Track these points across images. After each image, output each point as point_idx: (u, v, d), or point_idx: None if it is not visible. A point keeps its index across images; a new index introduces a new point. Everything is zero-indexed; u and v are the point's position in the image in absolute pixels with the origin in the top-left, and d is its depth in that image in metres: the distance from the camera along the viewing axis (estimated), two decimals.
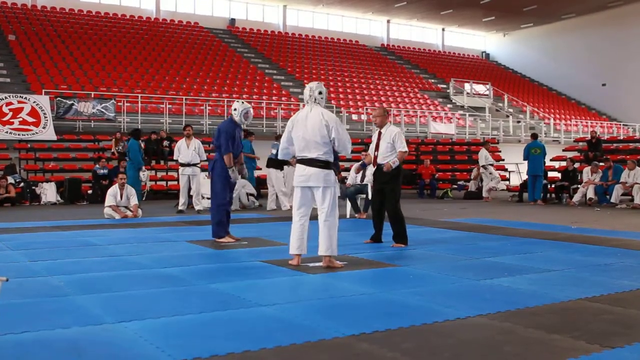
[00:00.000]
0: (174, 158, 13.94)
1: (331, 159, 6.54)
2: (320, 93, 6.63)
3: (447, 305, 4.73)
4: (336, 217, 6.53)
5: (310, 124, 6.46)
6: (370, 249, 7.78)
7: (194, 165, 13.45)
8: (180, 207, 13.43)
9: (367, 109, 27.98)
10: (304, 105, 6.77)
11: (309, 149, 6.45)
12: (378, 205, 8.45)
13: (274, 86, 29.35)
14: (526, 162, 17.23)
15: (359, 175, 12.52)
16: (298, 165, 6.56)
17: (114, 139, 19.16)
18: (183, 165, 13.45)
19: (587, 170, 16.88)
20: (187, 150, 13.39)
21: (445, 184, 20.67)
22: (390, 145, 8.16)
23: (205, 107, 22.83)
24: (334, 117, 6.61)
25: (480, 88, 36.04)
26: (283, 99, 27.48)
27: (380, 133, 8.32)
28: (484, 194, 18.17)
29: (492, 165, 18.43)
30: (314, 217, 6.54)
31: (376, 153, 8.31)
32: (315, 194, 6.52)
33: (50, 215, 12.66)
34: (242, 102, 8.65)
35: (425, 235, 9.19)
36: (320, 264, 6.49)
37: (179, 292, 5.22)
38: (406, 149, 8.23)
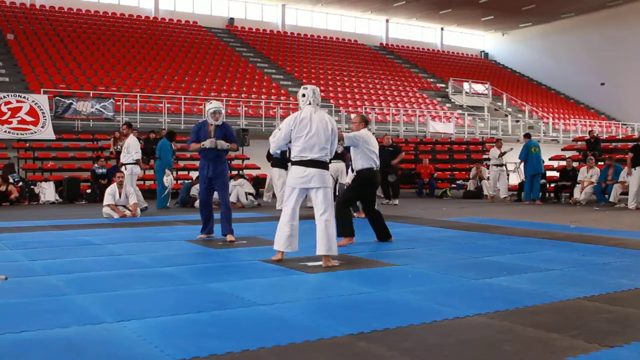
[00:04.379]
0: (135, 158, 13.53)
1: (328, 160, 6.64)
2: (319, 97, 6.77)
3: (446, 304, 4.73)
4: (333, 216, 6.58)
5: (316, 125, 6.49)
6: (368, 249, 7.78)
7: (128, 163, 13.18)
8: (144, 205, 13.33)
9: (366, 108, 28.00)
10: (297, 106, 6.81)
11: (312, 150, 6.47)
12: (364, 208, 8.59)
13: (272, 85, 29.35)
14: (521, 161, 17.23)
15: None
16: (297, 167, 6.56)
17: (112, 138, 19.13)
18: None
19: (583, 169, 16.90)
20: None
21: (444, 183, 20.69)
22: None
23: (204, 107, 22.73)
24: (335, 122, 6.75)
25: (479, 87, 36.05)
26: (282, 98, 27.46)
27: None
28: (502, 195, 17.81)
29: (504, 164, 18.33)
30: (304, 217, 6.53)
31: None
32: (315, 195, 6.54)
33: (49, 215, 12.64)
34: (210, 102, 8.84)
35: (424, 235, 9.20)
36: (320, 263, 6.50)
37: (177, 292, 5.22)
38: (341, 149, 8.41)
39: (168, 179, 14.36)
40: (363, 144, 8.09)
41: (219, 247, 7.92)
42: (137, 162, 13.16)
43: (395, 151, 16.52)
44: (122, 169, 13.07)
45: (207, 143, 8.40)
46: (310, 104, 6.64)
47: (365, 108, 27.93)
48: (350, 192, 8.40)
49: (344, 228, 8.00)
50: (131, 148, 13.14)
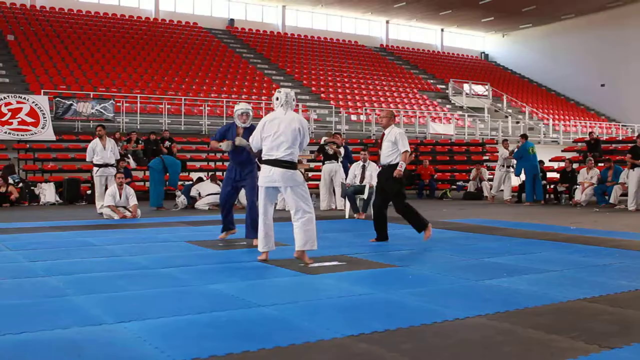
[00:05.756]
0: (88, 160, 13.50)
1: (296, 160, 6.76)
2: (293, 100, 6.96)
3: (446, 305, 4.74)
4: (311, 212, 6.70)
5: (285, 125, 6.69)
6: (369, 250, 7.78)
7: (111, 165, 13.21)
8: (100, 210, 12.68)
9: (366, 109, 27.99)
10: (273, 108, 7.03)
11: (278, 149, 6.65)
12: (378, 204, 8.58)
13: (273, 86, 29.33)
14: (517, 161, 17.19)
15: (358, 175, 12.55)
16: (264, 166, 6.78)
17: (112, 139, 19.13)
18: (99, 166, 13.08)
19: (583, 171, 16.91)
20: (104, 150, 13.12)
21: (444, 185, 20.69)
22: (391, 144, 8.34)
23: (205, 108, 22.82)
24: (306, 122, 6.93)
25: (480, 88, 36.06)
26: None
27: (384, 134, 8.54)
28: (506, 196, 17.72)
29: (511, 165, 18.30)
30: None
31: (380, 152, 8.53)
32: (284, 194, 6.70)
33: (49, 216, 12.65)
34: (238, 103, 8.79)
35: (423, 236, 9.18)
36: (321, 264, 6.53)
37: (178, 293, 5.22)
38: (408, 148, 8.36)
39: (179, 200, 14.55)
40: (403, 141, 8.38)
41: (220, 248, 7.92)
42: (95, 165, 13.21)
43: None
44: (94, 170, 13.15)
45: (224, 146, 8.26)
46: (282, 106, 6.85)
47: (366, 109, 27.93)
48: (400, 189, 8.43)
49: (418, 222, 8.35)
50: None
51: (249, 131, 8.10)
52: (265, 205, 6.83)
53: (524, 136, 17.82)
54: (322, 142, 15.32)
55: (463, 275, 5.99)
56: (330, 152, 14.28)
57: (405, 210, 8.39)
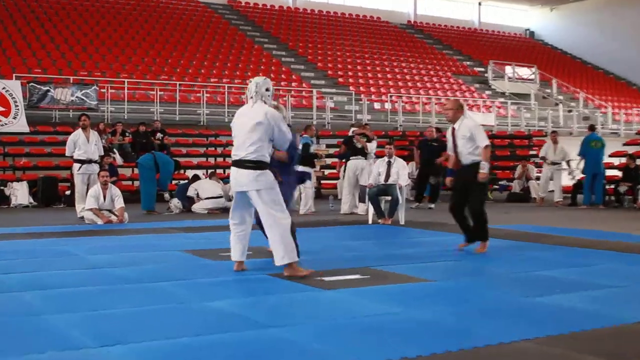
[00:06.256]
0: (67, 154, 13.47)
1: (266, 159, 6.73)
2: (267, 90, 6.89)
3: (488, 327, 4.70)
4: (285, 219, 6.64)
5: (247, 121, 6.74)
6: (397, 261, 7.73)
7: (95, 162, 13.24)
8: (81, 213, 12.69)
9: (391, 96, 27.96)
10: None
11: (241, 149, 6.73)
12: (459, 203, 8.60)
13: (282, 70, 29.38)
14: (581, 158, 17.11)
15: (383, 173, 12.47)
16: (231, 169, 6.94)
17: (96, 131, 19.19)
18: (82, 162, 13.07)
19: None
20: (88, 144, 13.12)
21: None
22: (467, 141, 8.30)
23: (203, 94, 22.88)
24: (277, 114, 6.88)
25: (524, 71, 35.92)
26: (293, 84, 27.51)
27: (454, 129, 8.46)
28: (557, 197, 17.63)
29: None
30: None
31: (457, 151, 8.43)
32: (251, 199, 6.71)
33: (22, 220, 12.70)
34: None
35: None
36: (340, 277, 6.51)
37: (172, 311, 5.22)
38: (488, 142, 8.37)
39: (173, 204, 14.58)
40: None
41: (222, 258, 7.88)
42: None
43: (441, 147, 16.37)
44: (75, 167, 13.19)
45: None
46: (251, 98, 6.88)
47: (391, 96, 27.89)
48: (484, 189, 8.64)
49: (483, 231, 8.41)
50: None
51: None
52: (233, 214, 6.94)
53: (591, 127, 17.71)
54: (349, 133, 15.21)
55: (509, 291, 5.95)
56: (359, 145, 14.19)
57: (481, 213, 8.38)
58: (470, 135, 8.27)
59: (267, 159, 6.77)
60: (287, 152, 7.53)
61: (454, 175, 8.74)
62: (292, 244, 6.64)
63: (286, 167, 8.05)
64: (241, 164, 6.70)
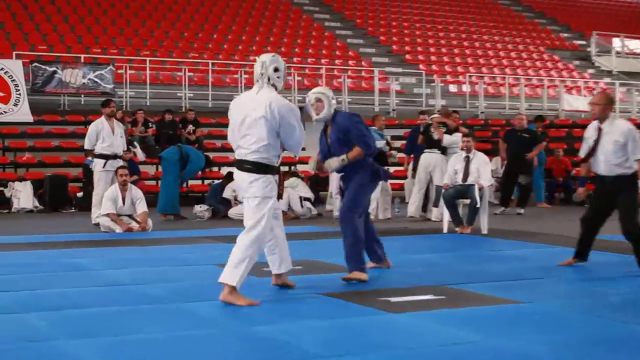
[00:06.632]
0: (88, 147, 13.45)
1: (268, 161, 6.59)
2: (276, 70, 6.65)
3: None
4: (257, 236, 6.49)
5: (250, 111, 6.54)
6: (480, 278, 7.71)
7: (120, 157, 13.28)
8: (96, 220, 12.80)
9: (470, 76, 27.75)
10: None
11: (242, 146, 6.61)
12: (593, 219, 8.56)
13: (336, 45, 29.31)
14: None
15: (460, 171, 12.38)
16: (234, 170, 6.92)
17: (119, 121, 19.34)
18: (107, 157, 13.03)
19: None
20: (113, 136, 13.12)
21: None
22: (619, 146, 8.00)
23: (241, 76, 22.88)
24: (286, 104, 6.68)
25: (636, 44, 35.38)
26: (350, 62, 27.41)
27: (600, 129, 8.19)
28: None
29: None
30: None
31: (598, 157, 8.23)
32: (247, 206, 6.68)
33: (25, 228, 12.87)
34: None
35: (557, 259, 9.05)
36: (410, 298, 6.56)
37: (207, 337, 5.26)
38: None
39: (201, 210, 14.59)
40: None
41: (263, 274, 7.92)
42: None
43: (533, 139, 16.14)
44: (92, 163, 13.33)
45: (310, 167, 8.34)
46: (257, 82, 6.70)
47: (470, 77, 27.67)
48: (636, 197, 8.32)
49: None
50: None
51: (335, 128, 7.85)
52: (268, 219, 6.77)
53: None
54: (428, 120, 14.91)
55: (616, 317, 5.91)
56: (436, 136, 14.01)
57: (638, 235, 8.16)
58: (624, 142, 7.95)
59: (271, 161, 6.61)
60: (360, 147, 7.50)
61: (595, 187, 8.64)
62: (243, 268, 6.43)
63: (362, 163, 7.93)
64: (240, 165, 6.63)
